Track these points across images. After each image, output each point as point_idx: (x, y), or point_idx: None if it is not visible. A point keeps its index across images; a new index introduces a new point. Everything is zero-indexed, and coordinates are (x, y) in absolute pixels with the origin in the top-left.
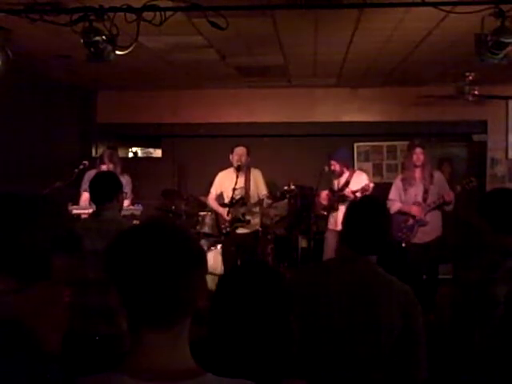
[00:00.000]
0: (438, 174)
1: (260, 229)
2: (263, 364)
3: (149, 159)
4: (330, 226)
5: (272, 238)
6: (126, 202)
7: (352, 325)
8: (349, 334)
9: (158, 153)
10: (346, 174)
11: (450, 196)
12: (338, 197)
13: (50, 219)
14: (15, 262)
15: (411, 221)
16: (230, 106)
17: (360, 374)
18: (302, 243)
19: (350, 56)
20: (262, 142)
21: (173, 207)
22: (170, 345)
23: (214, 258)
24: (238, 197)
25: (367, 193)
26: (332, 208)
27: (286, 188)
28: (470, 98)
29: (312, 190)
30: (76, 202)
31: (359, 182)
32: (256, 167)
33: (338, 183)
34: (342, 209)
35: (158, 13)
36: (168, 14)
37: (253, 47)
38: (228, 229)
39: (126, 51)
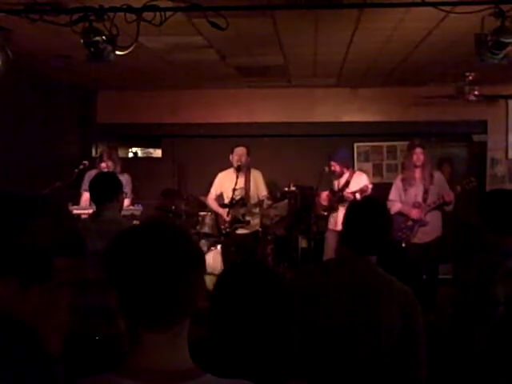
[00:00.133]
0: (438, 174)
1: (260, 229)
2: (262, 364)
3: (149, 159)
4: (330, 226)
5: (272, 239)
6: (126, 202)
7: (352, 325)
8: (349, 334)
9: (158, 153)
10: (346, 175)
11: (450, 196)
12: (338, 197)
13: (50, 219)
14: (15, 262)
15: (411, 221)
16: (230, 106)
17: (360, 374)
18: (302, 243)
19: (350, 56)
20: (262, 142)
21: (173, 207)
22: (169, 345)
23: (214, 259)
24: (237, 197)
25: (366, 194)
26: (332, 208)
27: (286, 189)
28: (470, 98)
29: (312, 191)
30: (76, 202)
31: (359, 182)
32: (256, 167)
33: (338, 184)
34: (342, 209)
35: (158, 13)
36: (168, 14)
37: (253, 47)
38: (228, 229)
39: (126, 51)
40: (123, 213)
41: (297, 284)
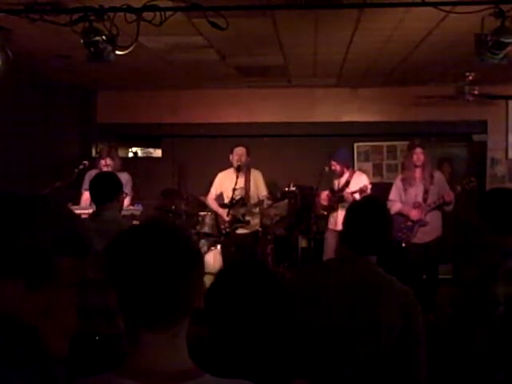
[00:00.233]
0: (438, 174)
1: (260, 229)
2: (262, 364)
3: (149, 159)
4: (330, 226)
5: (272, 239)
6: (127, 200)
7: (352, 325)
8: (349, 334)
9: (158, 153)
10: (347, 175)
11: (450, 196)
12: (337, 197)
13: (50, 219)
14: (16, 263)
15: (411, 221)
16: (230, 106)
17: (360, 374)
18: (302, 243)
19: (350, 56)
20: (262, 142)
21: (173, 207)
22: (169, 345)
23: (214, 258)
24: (237, 197)
25: (365, 194)
26: (332, 208)
27: (286, 189)
28: (470, 98)
29: (312, 190)
30: (76, 201)
31: (359, 182)
32: (256, 167)
33: (338, 183)
34: (342, 209)
35: (157, 13)
36: (168, 14)
37: (253, 47)
38: (228, 229)
39: (126, 51)
40: (123, 213)
41: (297, 284)
